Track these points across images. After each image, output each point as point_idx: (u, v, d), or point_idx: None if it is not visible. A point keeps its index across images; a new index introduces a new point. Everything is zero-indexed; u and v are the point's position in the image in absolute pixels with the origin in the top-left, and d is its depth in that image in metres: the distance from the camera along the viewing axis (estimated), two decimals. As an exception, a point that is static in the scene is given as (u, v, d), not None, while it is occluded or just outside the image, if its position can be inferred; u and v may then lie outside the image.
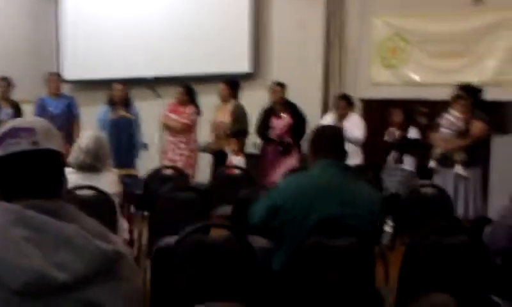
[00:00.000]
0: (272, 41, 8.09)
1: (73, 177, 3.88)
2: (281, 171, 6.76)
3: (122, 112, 7.09)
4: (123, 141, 6.96)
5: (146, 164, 7.46)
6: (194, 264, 2.64)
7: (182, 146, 7.01)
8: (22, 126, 1.54)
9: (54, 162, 1.53)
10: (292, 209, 2.79)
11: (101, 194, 3.79)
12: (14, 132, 1.51)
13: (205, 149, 7.25)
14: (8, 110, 7.36)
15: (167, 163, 6.97)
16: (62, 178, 1.54)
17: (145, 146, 7.34)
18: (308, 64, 7.65)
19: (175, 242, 2.63)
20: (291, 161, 6.83)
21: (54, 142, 1.54)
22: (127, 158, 6.90)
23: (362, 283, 2.71)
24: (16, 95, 7.54)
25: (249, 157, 6.94)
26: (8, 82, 7.42)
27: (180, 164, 6.91)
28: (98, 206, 3.75)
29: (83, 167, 3.86)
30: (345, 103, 6.66)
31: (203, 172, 7.25)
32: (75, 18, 9.25)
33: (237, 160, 6.71)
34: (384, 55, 7.37)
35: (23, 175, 1.48)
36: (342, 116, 6.59)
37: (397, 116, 6.41)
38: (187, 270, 2.62)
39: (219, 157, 7.02)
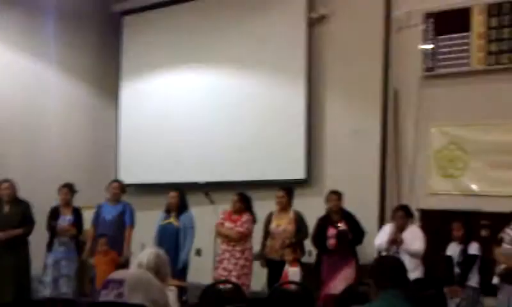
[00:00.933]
0: (327, 148, 8.11)
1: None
2: (337, 282, 6.64)
3: (171, 219, 7.17)
4: (167, 247, 6.87)
5: (199, 271, 7.45)
6: None
7: (237, 255, 6.97)
8: (114, 278, 1.71)
9: None
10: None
11: None
12: (106, 283, 1.68)
13: (259, 258, 7.17)
14: (68, 216, 7.53)
15: (221, 272, 6.94)
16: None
17: (198, 253, 7.34)
18: (364, 172, 7.60)
19: None
20: (348, 271, 6.70)
21: (142, 294, 1.60)
22: (174, 268, 6.89)
23: None
24: (77, 201, 7.73)
25: (304, 267, 6.85)
26: (69, 189, 7.61)
27: (234, 274, 6.88)
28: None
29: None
30: (403, 214, 6.54)
31: (258, 280, 7.18)
32: (133, 124, 9.56)
33: (293, 270, 6.62)
34: (442, 165, 7.28)
35: None
36: (400, 227, 6.46)
37: (458, 230, 6.23)
38: None
39: (276, 267, 6.93)
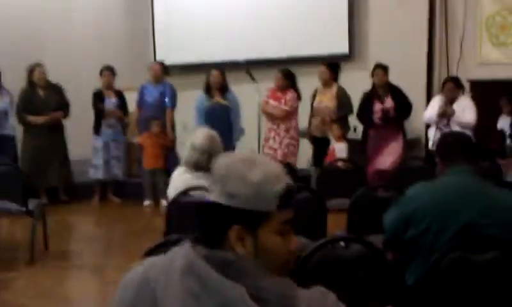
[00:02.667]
0: (371, 20, 7.80)
1: (186, 177, 3.86)
2: (384, 157, 6.57)
3: (217, 99, 7.05)
4: (220, 128, 6.87)
5: (245, 150, 7.43)
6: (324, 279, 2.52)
7: (282, 133, 6.90)
8: None
9: (220, 213, 1.41)
10: (424, 219, 2.62)
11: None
12: None
13: (306, 136, 7.11)
14: (113, 99, 7.51)
15: (267, 151, 6.90)
16: (229, 229, 1.41)
17: (242, 132, 7.28)
18: (411, 42, 7.33)
19: (305, 255, 2.51)
20: (396, 146, 6.60)
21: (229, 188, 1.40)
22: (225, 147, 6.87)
23: (508, 301, 2.52)
24: (117, 83, 7.69)
25: (350, 143, 6.78)
26: (111, 71, 7.54)
27: (280, 152, 6.84)
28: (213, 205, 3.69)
29: (197, 167, 3.81)
30: (453, 86, 6.31)
31: (303, 158, 7.15)
32: (169, 4, 9.27)
33: (340, 146, 6.57)
34: (493, 32, 6.94)
35: (196, 222, 1.44)
36: (450, 99, 6.25)
37: (505, 105, 6.01)
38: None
39: (321, 144, 6.89)
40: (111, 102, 7.50)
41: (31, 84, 7.23)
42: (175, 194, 3.77)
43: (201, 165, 3.79)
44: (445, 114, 6.12)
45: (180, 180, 3.86)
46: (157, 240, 2.52)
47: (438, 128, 6.17)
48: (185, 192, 3.72)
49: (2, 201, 5.08)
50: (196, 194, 3.70)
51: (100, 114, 7.46)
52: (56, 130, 7.32)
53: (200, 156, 3.79)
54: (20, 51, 7.86)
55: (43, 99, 7.23)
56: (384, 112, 6.51)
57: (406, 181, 3.25)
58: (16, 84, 7.26)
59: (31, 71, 7.20)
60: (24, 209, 5.05)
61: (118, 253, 5.63)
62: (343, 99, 6.84)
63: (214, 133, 3.94)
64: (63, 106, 7.35)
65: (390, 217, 2.79)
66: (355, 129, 7.18)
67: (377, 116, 6.56)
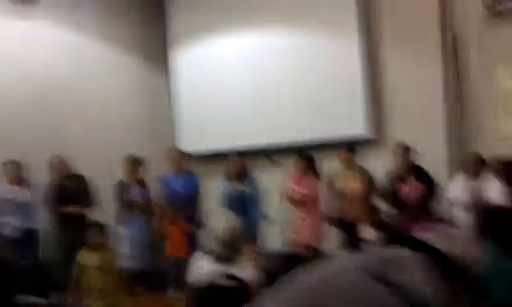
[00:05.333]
0: (387, 101, 7.84)
1: (210, 266, 3.83)
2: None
3: (236, 186, 7.06)
4: (239, 214, 6.87)
5: (268, 236, 7.36)
6: None
7: (305, 217, 6.84)
8: None
9: None
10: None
11: (239, 282, 3.68)
12: None
13: (332, 222, 7.01)
14: (137, 189, 7.56)
15: (292, 236, 6.84)
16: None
17: (265, 217, 7.24)
18: (428, 123, 7.33)
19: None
20: (422, 230, 6.46)
21: None
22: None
23: None
24: (141, 171, 7.78)
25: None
26: (133, 162, 7.63)
27: (305, 236, 6.76)
28: (236, 294, 3.64)
29: (219, 258, 3.80)
30: (477, 162, 6.26)
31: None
32: (187, 90, 9.41)
33: (370, 231, 6.44)
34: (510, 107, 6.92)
35: None
36: (475, 176, 6.18)
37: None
38: None
39: (347, 228, 6.75)
40: (136, 191, 7.53)
41: (56, 175, 7.33)
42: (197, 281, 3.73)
43: (223, 256, 3.79)
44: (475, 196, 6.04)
45: (202, 270, 3.82)
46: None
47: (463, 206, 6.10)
48: (208, 282, 3.67)
49: (26, 296, 5.03)
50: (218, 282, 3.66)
51: (124, 205, 7.47)
52: (83, 221, 7.27)
53: (222, 249, 3.79)
54: (44, 145, 8.02)
55: (69, 189, 7.29)
56: (413, 205, 6.43)
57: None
58: (40, 177, 7.36)
59: (52, 163, 7.34)
60: (45, 302, 4.99)
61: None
62: (370, 180, 6.78)
63: (237, 226, 3.94)
64: (86, 195, 7.40)
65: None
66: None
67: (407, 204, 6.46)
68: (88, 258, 5.08)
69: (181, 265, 7.16)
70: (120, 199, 7.55)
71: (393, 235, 6.43)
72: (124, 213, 7.53)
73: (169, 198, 7.44)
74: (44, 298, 5.03)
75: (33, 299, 5.07)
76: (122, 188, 7.57)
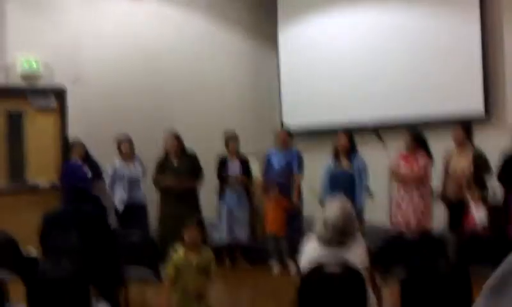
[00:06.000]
0: (507, 79, 7.35)
1: (319, 251, 3.70)
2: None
3: (343, 165, 6.89)
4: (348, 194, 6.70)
5: (373, 214, 7.15)
6: None
7: (416, 199, 6.57)
8: None
9: None
10: None
11: (350, 270, 3.53)
12: None
13: (440, 199, 6.74)
14: (236, 164, 7.58)
15: (400, 218, 6.62)
16: None
17: (369, 191, 7.03)
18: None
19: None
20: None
21: None
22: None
23: None
24: (242, 147, 7.78)
25: (490, 208, 6.33)
26: (235, 140, 7.65)
27: (414, 219, 6.52)
28: (347, 282, 3.50)
29: (330, 243, 3.66)
30: None
31: (436, 222, 6.76)
32: (294, 68, 9.32)
33: (479, 212, 6.15)
34: None
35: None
36: None
37: None
38: None
39: (456, 208, 6.49)
40: (234, 167, 7.56)
41: (165, 152, 7.45)
42: (308, 267, 3.62)
43: (334, 241, 3.65)
44: None
45: (313, 253, 3.71)
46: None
47: None
48: (319, 269, 3.56)
49: (135, 266, 5.15)
50: (329, 270, 3.54)
51: (223, 180, 7.54)
52: (189, 197, 7.38)
53: (333, 233, 3.64)
54: (152, 121, 8.21)
55: (175, 167, 7.37)
56: None
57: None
58: (149, 153, 7.53)
59: (164, 140, 7.44)
60: (157, 277, 5.08)
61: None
62: (479, 160, 6.45)
63: (348, 208, 3.76)
64: (195, 173, 7.46)
65: None
66: (494, 193, 6.70)
67: None
68: (183, 258, 4.49)
69: (280, 242, 7.18)
70: (219, 173, 7.61)
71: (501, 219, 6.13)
72: (223, 188, 7.58)
73: (271, 175, 7.37)
74: (154, 271, 5.12)
75: (145, 272, 5.20)
76: (222, 163, 7.62)
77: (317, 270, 3.57)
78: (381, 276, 4.09)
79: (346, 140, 6.93)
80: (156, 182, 7.41)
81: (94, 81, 8.05)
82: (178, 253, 4.54)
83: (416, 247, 4.76)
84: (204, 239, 4.72)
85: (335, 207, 3.75)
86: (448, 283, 3.44)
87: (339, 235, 3.63)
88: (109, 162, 7.36)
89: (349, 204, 3.79)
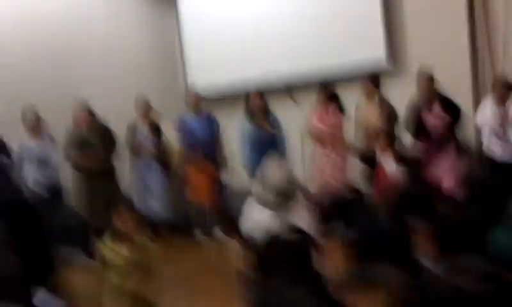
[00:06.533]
0: (408, 28, 7.64)
1: (262, 214, 3.75)
2: (439, 164, 6.40)
3: (265, 126, 6.90)
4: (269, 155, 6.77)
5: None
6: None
7: (334, 155, 6.78)
8: None
9: None
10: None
11: (300, 234, 3.61)
12: None
13: (354, 153, 6.96)
14: (149, 133, 7.41)
15: (316, 174, 6.79)
16: None
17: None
18: (451, 47, 7.18)
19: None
20: (449, 158, 6.44)
21: None
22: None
23: None
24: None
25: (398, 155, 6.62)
26: (148, 104, 7.47)
27: (329, 172, 6.72)
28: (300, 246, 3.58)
29: (274, 207, 3.71)
30: (504, 86, 6.13)
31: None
32: (196, 24, 9.18)
33: (390, 164, 6.40)
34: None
35: None
36: (502, 101, 6.09)
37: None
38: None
39: (371, 161, 6.73)
40: (147, 139, 7.40)
41: (76, 126, 7.14)
42: (258, 233, 3.67)
43: (279, 205, 3.70)
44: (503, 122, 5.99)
45: (259, 218, 3.75)
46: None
47: (493, 135, 6.06)
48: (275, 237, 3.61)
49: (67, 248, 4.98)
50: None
51: (134, 149, 7.36)
52: (107, 173, 7.15)
53: (275, 196, 3.69)
54: (58, 91, 7.83)
55: (88, 142, 7.08)
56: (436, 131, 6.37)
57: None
58: (59, 125, 7.17)
59: (73, 113, 7.12)
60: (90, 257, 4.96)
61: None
62: (389, 111, 6.69)
63: (288, 169, 3.82)
64: (110, 146, 7.21)
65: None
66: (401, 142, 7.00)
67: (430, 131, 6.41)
68: (113, 252, 3.80)
69: (205, 210, 7.14)
70: (131, 143, 7.41)
71: (413, 169, 6.44)
72: (136, 156, 7.39)
73: (191, 141, 7.26)
74: (86, 251, 4.99)
75: (75, 252, 5.05)
76: (133, 131, 7.42)
77: (274, 238, 3.63)
78: (324, 235, 4.21)
79: (261, 100, 6.93)
80: (70, 159, 7.08)
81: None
82: (106, 246, 3.87)
83: (350, 205, 4.93)
84: (139, 225, 4.02)
85: (274, 171, 3.78)
86: (391, 235, 3.65)
87: (283, 198, 3.67)
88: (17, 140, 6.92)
89: (288, 166, 3.85)
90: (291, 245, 3.44)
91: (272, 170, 3.83)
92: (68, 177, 7.16)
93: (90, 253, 4.99)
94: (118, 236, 3.85)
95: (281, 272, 3.25)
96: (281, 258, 3.44)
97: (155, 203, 7.39)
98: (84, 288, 5.75)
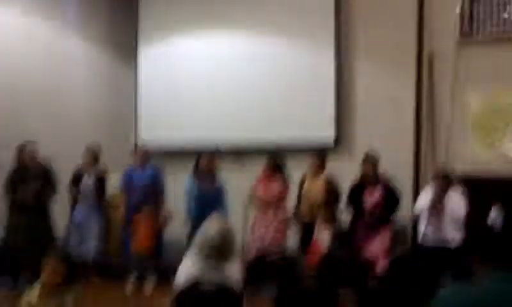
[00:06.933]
0: (358, 115, 8.01)
1: (196, 267, 3.76)
2: (373, 246, 6.54)
3: (208, 185, 7.00)
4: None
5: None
6: None
7: (271, 218, 6.88)
8: None
9: None
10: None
11: (225, 288, 3.63)
12: None
13: (294, 221, 7.07)
14: (90, 180, 7.40)
15: (255, 236, 6.86)
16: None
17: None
18: (397, 138, 7.49)
19: None
20: (383, 236, 6.60)
21: None
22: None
23: None
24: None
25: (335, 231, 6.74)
26: (92, 153, 7.49)
27: (269, 237, 6.79)
28: (221, 300, 3.59)
29: (208, 259, 3.74)
30: (444, 180, 6.37)
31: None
32: (153, 82, 9.32)
33: (324, 236, 6.54)
34: (481, 133, 7.13)
35: None
36: (442, 192, 6.31)
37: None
38: None
39: (308, 230, 6.83)
40: (88, 181, 7.40)
41: (20, 163, 7.04)
42: (185, 282, 3.67)
43: (213, 258, 3.73)
44: (436, 208, 6.19)
45: (190, 270, 3.77)
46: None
47: (428, 222, 6.24)
48: (194, 285, 3.62)
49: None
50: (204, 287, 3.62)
51: (75, 194, 7.37)
52: (40, 211, 7.07)
53: (213, 252, 3.72)
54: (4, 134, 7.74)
55: (29, 179, 6.97)
56: (371, 213, 6.55)
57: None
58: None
59: (21, 150, 7.04)
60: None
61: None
62: (333, 187, 6.87)
63: (227, 227, 3.88)
64: (48, 186, 7.13)
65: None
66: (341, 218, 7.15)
67: (366, 212, 6.58)
68: (37, 302, 3.61)
69: (145, 262, 7.12)
70: (74, 187, 7.41)
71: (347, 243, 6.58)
72: (76, 202, 7.41)
73: (133, 193, 7.27)
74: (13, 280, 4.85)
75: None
76: (76, 175, 7.43)
77: (193, 287, 3.64)
78: (250, 296, 4.22)
79: (211, 161, 7.07)
80: (8, 191, 6.99)
81: None
82: (33, 294, 3.67)
83: (278, 267, 4.98)
84: (69, 278, 3.79)
85: (214, 226, 3.83)
86: (318, 300, 3.67)
87: (218, 253, 3.71)
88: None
89: (228, 224, 3.90)
90: (211, 297, 3.46)
91: (213, 223, 3.88)
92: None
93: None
94: (46, 286, 3.69)
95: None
96: (198, 304, 3.45)
97: (88, 246, 7.38)
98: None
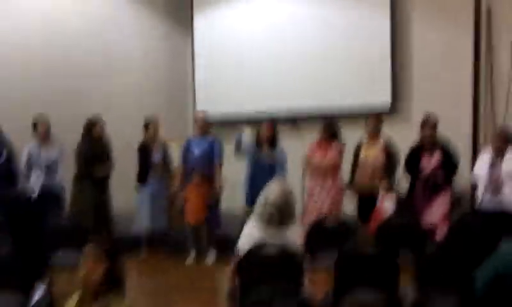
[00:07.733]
0: (414, 72, 7.91)
1: (258, 231, 3.88)
2: (432, 211, 6.51)
3: (267, 155, 7.06)
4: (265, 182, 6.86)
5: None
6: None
7: (328, 186, 6.89)
8: None
9: None
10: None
11: (287, 252, 3.75)
12: None
13: (351, 190, 7.06)
14: (158, 152, 7.62)
15: (312, 205, 6.88)
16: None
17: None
18: (455, 95, 7.40)
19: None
20: (442, 201, 6.55)
21: None
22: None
23: None
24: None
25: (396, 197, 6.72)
26: (156, 124, 7.66)
27: (326, 206, 6.82)
28: (284, 264, 3.71)
29: (269, 222, 3.85)
30: (502, 140, 6.25)
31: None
32: (209, 53, 9.46)
33: (388, 203, 6.51)
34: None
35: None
36: (499, 153, 6.22)
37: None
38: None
39: (366, 198, 6.82)
40: (156, 154, 7.59)
41: (89, 137, 7.29)
42: (248, 247, 3.80)
43: (274, 221, 3.83)
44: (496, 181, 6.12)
45: (253, 234, 3.89)
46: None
47: (486, 187, 6.17)
48: (257, 249, 3.75)
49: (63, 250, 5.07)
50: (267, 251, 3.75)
51: (147, 167, 7.53)
52: (103, 185, 7.38)
53: (274, 213, 3.82)
54: (68, 105, 8.06)
55: (99, 154, 7.29)
56: (432, 178, 6.50)
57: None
58: (67, 137, 7.35)
59: (92, 125, 7.29)
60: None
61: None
62: (392, 152, 6.82)
63: (288, 189, 3.96)
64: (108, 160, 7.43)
65: (483, 275, 2.75)
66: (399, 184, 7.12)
67: (424, 176, 6.53)
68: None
69: (200, 230, 7.26)
70: (142, 161, 7.59)
71: (408, 209, 6.55)
72: (145, 176, 7.57)
73: (191, 163, 7.35)
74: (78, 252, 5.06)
75: (71, 255, 5.12)
76: (144, 150, 7.60)
77: (255, 251, 3.77)
78: (310, 258, 4.33)
79: (271, 131, 7.12)
80: (81, 169, 7.25)
81: (5, 64, 7.81)
82: (69, 305, 2.99)
83: (337, 235, 5.04)
84: (117, 281, 2.96)
85: (276, 188, 3.94)
86: (377, 265, 3.75)
87: (279, 215, 3.81)
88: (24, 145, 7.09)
89: (289, 187, 3.99)
90: (273, 260, 3.58)
91: (275, 187, 3.98)
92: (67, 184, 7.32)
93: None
94: (85, 293, 2.94)
95: (261, 281, 3.38)
96: (262, 268, 3.57)
97: (160, 218, 7.65)
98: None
